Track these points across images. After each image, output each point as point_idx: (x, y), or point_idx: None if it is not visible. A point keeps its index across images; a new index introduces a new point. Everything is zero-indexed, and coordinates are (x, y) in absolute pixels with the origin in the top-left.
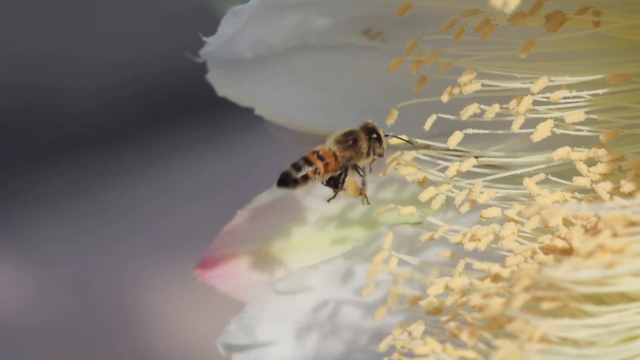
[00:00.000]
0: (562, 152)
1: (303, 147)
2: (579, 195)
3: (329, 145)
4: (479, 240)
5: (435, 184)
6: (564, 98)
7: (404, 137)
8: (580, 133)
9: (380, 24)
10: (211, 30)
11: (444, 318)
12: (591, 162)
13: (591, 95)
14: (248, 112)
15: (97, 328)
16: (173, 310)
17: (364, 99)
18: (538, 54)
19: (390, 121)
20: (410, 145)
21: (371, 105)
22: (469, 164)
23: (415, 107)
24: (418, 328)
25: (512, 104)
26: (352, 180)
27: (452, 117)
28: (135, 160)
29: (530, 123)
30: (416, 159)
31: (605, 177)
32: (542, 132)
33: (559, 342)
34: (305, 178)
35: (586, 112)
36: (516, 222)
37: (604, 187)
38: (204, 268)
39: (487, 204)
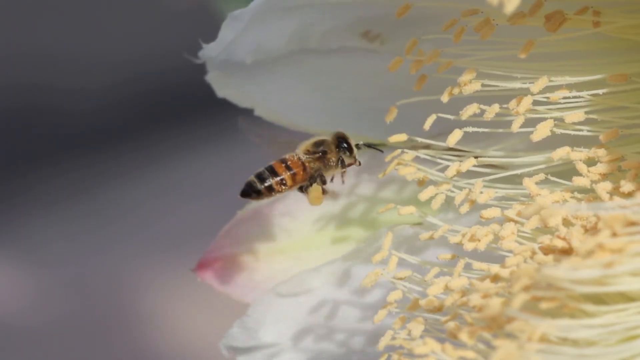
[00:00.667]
0: (561, 152)
1: (276, 149)
2: (579, 195)
3: (299, 154)
4: (479, 240)
5: (435, 183)
6: (564, 98)
7: (375, 143)
8: (580, 133)
9: (379, 26)
10: (211, 30)
11: (443, 318)
12: (591, 162)
13: (591, 95)
14: (248, 112)
15: (97, 328)
16: (173, 310)
17: (364, 100)
18: (538, 54)
19: (389, 119)
20: (381, 152)
21: (371, 106)
22: (468, 164)
23: (415, 107)
24: (417, 327)
25: (512, 103)
26: (316, 187)
27: (452, 117)
28: (135, 160)
29: (530, 123)
30: (416, 159)
31: (605, 177)
32: (542, 132)
33: (558, 342)
34: (270, 189)
35: (586, 112)
36: (516, 222)
37: (604, 187)
38: (204, 268)
39: (486, 204)
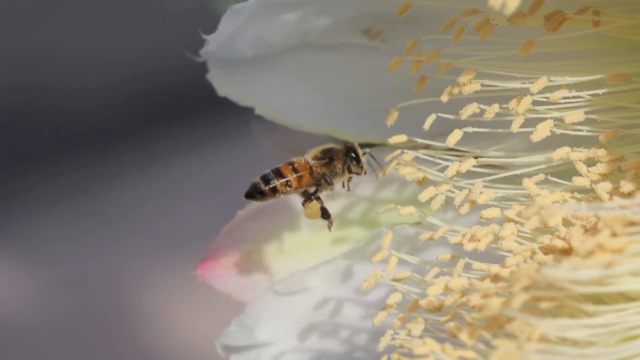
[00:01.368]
0: (561, 152)
1: (284, 151)
2: (579, 196)
3: (307, 158)
4: (479, 240)
5: (435, 183)
6: (564, 98)
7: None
8: (580, 133)
9: (381, 24)
10: (211, 30)
11: (443, 318)
12: (591, 162)
13: (591, 95)
14: (248, 112)
15: (97, 328)
16: (173, 310)
17: (364, 99)
18: (538, 54)
19: (390, 121)
20: (380, 168)
21: (371, 105)
22: (468, 164)
23: (415, 107)
24: (417, 327)
25: (512, 104)
26: (314, 203)
27: (451, 117)
28: (135, 160)
29: (530, 123)
30: (416, 159)
31: (604, 177)
32: (541, 132)
33: (558, 342)
34: (274, 190)
35: (586, 112)
36: (516, 222)
37: (604, 187)
38: (204, 268)
39: (486, 205)
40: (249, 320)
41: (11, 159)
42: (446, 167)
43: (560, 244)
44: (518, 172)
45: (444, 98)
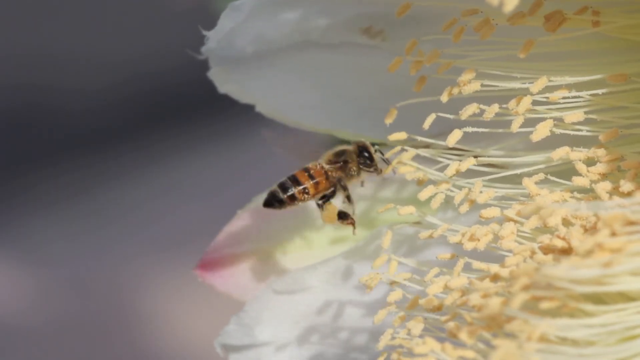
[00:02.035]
0: (561, 152)
1: (296, 157)
2: (578, 195)
3: (322, 163)
4: (478, 240)
5: (434, 182)
6: (564, 98)
7: (386, 158)
8: (580, 133)
9: (381, 23)
10: (211, 29)
11: (443, 317)
12: (590, 162)
13: (590, 95)
14: (248, 112)
15: (97, 328)
16: (173, 310)
17: (364, 98)
18: (537, 54)
19: (389, 120)
20: (389, 164)
21: (371, 105)
22: (468, 164)
23: (415, 107)
24: (417, 326)
25: (512, 103)
26: (332, 206)
27: (451, 117)
28: (135, 160)
29: (530, 123)
30: (416, 158)
31: (604, 176)
32: (541, 132)
33: (558, 341)
34: (292, 198)
35: (585, 112)
36: (515, 221)
37: (603, 187)
38: (204, 268)
39: (486, 204)
40: (248, 319)
41: (11, 159)
42: (446, 166)
43: (559, 243)
44: (518, 171)
45: (444, 98)
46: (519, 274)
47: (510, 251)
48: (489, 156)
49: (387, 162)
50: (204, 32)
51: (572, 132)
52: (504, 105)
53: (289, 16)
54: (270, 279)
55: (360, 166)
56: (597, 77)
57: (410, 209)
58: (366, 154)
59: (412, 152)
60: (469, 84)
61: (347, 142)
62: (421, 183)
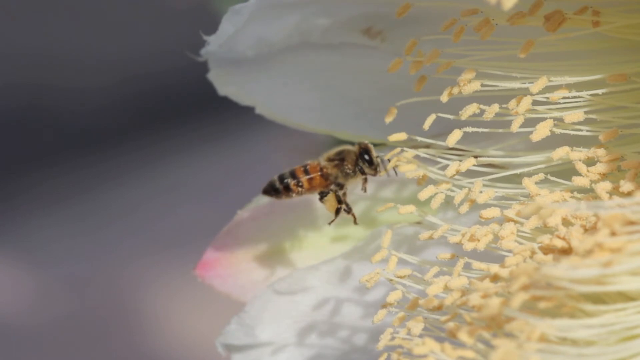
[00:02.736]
0: (561, 152)
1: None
2: (578, 195)
3: (320, 160)
4: (478, 240)
5: (435, 182)
6: (564, 98)
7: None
8: (580, 133)
9: (381, 23)
10: (211, 30)
11: (443, 317)
12: (590, 162)
13: (590, 95)
14: (248, 112)
15: (97, 328)
16: (173, 310)
17: (364, 99)
18: (537, 54)
19: (389, 119)
20: (395, 174)
21: (371, 105)
22: (468, 164)
23: (415, 107)
24: (417, 326)
25: (512, 103)
26: (333, 196)
27: (451, 117)
28: (135, 160)
29: (530, 123)
30: (416, 157)
31: (604, 176)
32: (541, 132)
33: (557, 341)
34: (287, 189)
35: (585, 112)
36: (515, 222)
37: (603, 187)
38: (204, 268)
39: (486, 204)
40: (249, 319)
41: (11, 159)
42: (446, 166)
43: (559, 243)
44: (518, 171)
45: (444, 98)
46: (518, 274)
47: (510, 251)
48: (489, 156)
49: (386, 166)
50: (205, 37)
51: (572, 132)
52: (504, 105)
53: (289, 18)
54: (271, 279)
55: (358, 167)
56: (597, 77)
57: (410, 209)
58: (366, 156)
59: (413, 152)
60: (469, 83)
61: (349, 143)
62: (421, 182)
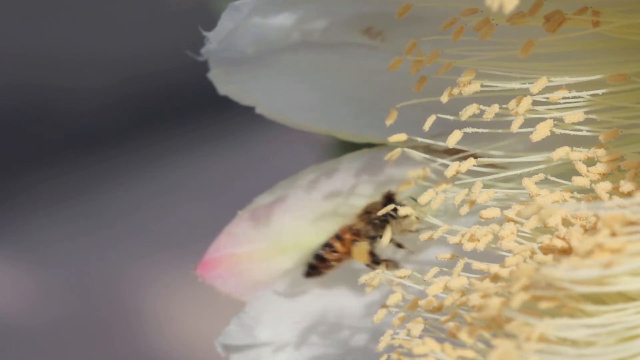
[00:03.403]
0: (561, 152)
1: None
2: (578, 195)
3: (350, 221)
4: (478, 240)
5: (435, 182)
6: (564, 98)
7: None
8: (580, 133)
9: (381, 23)
10: (211, 30)
11: (443, 318)
12: (590, 162)
13: (590, 95)
14: (248, 112)
15: (97, 328)
16: (173, 310)
17: (364, 99)
18: (538, 54)
19: (389, 121)
20: (415, 202)
21: (371, 105)
22: (468, 164)
23: (415, 107)
24: (417, 326)
25: (512, 104)
26: (363, 244)
27: (451, 117)
28: (135, 160)
29: (530, 123)
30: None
31: (604, 176)
32: (541, 132)
33: (557, 341)
34: (322, 260)
35: (585, 112)
36: (515, 222)
37: (603, 187)
38: (205, 268)
39: (486, 204)
40: (249, 319)
41: (11, 159)
42: (446, 166)
43: (559, 243)
44: (518, 171)
45: (444, 99)
46: (518, 274)
47: (510, 251)
48: (489, 156)
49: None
50: (204, 33)
51: (572, 132)
52: (504, 106)
53: (289, 16)
54: (270, 279)
55: (385, 216)
56: (597, 77)
57: (409, 210)
58: (391, 203)
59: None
60: (469, 84)
61: (349, 143)
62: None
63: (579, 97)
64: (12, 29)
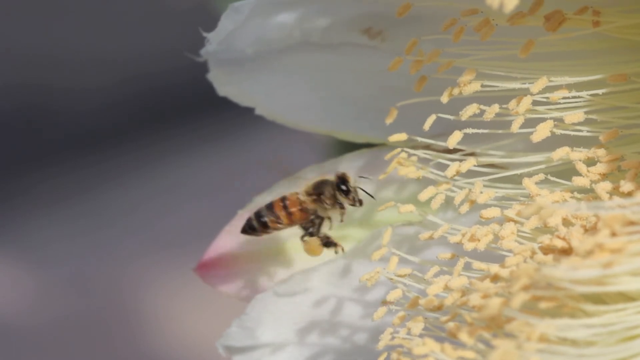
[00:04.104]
0: (561, 152)
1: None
2: (579, 195)
3: (300, 194)
4: (479, 240)
5: (435, 182)
6: (564, 98)
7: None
8: (580, 133)
9: (381, 23)
10: (211, 30)
11: (443, 317)
12: (590, 162)
13: (591, 95)
14: (248, 112)
15: (97, 328)
16: (173, 310)
17: (364, 99)
18: (538, 54)
19: (389, 120)
20: (373, 198)
21: (371, 105)
22: (468, 164)
23: (415, 107)
24: (417, 326)
25: (512, 104)
26: (313, 239)
27: (452, 117)
28: (135, 160)
29: (530, 123)
30: (416, 157)
31: (604, 177)
32: (541, 132)
33: (558, 341)
34: (265, 226)
35: (586, 112)
36: (515, 222)
37: (604, 187)
38: (204, 268)
39: (486, 204)
40: (250, 321)
41: (11, 159)
42: (446, 166)
43: (560, 243)
44: (518, 171)
45: (444, 98)
46: (519, 274)
47: (510, 251)
48: (489, 156)
49: (359, 197)
50: (204, 34)
51: (572, 133)
52: (504, 106)
53: (289, 17)
54: (271, 280)
55: (338, 200)
56: (597, 77)
57: (410, 208)
58: (344, 187)
59: (413, 152)
60: (469, 84)
61: (349, 143)
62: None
63: (579, 97)
64: (12, 29)
